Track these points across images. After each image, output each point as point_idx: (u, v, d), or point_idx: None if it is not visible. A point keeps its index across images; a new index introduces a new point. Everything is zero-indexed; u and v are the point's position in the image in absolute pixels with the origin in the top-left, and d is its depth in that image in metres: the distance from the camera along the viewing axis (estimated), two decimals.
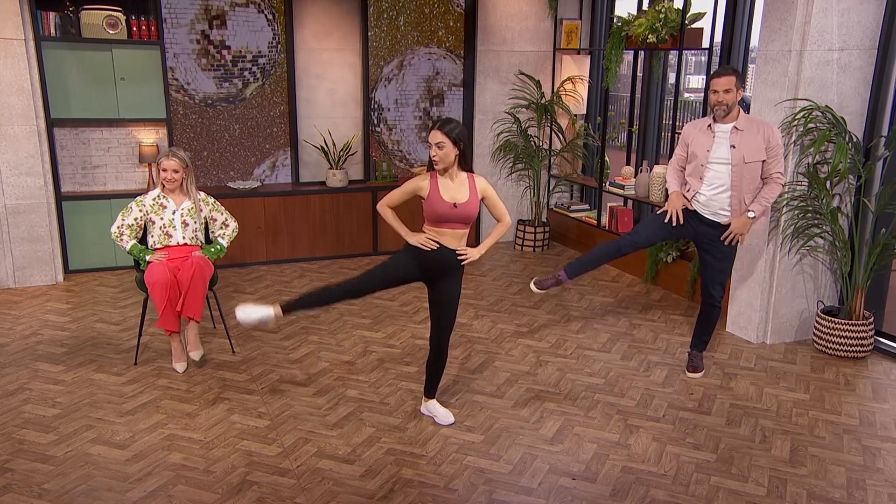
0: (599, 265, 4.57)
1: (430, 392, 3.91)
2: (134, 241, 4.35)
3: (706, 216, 4.21)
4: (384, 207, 3.72)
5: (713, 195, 4.17)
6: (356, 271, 6.41)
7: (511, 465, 3.47)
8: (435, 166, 3.54)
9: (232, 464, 3.43)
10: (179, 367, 4.39)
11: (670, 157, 4.87)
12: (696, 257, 4.69)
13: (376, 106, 7.01)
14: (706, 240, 4.25)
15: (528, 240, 7.24)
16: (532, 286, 4.54)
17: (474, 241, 7.39)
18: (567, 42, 7.28)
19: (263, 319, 3.85)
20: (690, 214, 4.26)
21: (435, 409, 3.90)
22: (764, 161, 4.10)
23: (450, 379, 4.33)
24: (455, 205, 3.53)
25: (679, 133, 4.71)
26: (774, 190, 4.15)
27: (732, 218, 4.14)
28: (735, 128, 4.10)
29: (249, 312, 3.84)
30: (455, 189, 3.56)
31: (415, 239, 3.59)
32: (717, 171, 4.14)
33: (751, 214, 4.12)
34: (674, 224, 4.27)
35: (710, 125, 4.18)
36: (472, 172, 3.64)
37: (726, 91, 4.03)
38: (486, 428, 3.80)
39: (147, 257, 4.31)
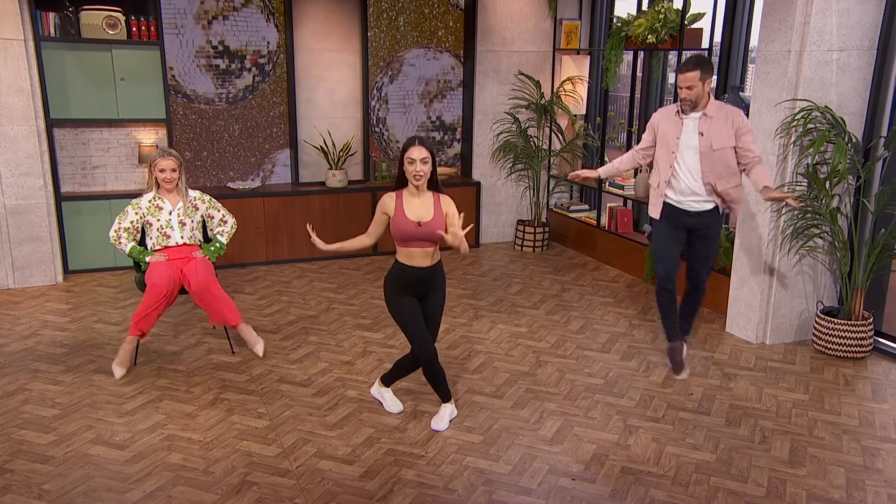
0: (673, 313, 4.42)
1: (388, 381, 3.99)
2: (133, 244, 4.35)
3: (686, 208, 4.22)
4: (363, 240, 3.76)
5: (685, 182, 4.18)
6: (356, 272, 6.43)
7: (511, 466, 3.47)
8: (416, 182, 3.53)
9: (231, 464, 3.43)
10: (119, 371, 4.30)
11: None
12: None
13: (375, 106, 7.01)
14: (696, 228, 4.27)
15: (528, 240, 7.24)
16: (679, 376, 4.41)
17: (474, 233, 7.40)
18: (567, 42, 7.29)
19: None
20: (671, 209, 4.28)
21: (385, 395, 4.01)
22: (734, 147, 4.09)
23: (449, 379, 4.32)
24: (419, 223, 3.55)
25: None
26: (764, 171, 4.12)
27: (769, 195, 4.03)
28: (704, 114, 4.09)
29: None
30: (420, 207, 3.58)
31: (325, 249, 3.72)
32: (686, 158, 4.15)
33: (768, 185, 4.06)
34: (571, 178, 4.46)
35: (678, 112, 4.18)
36: (440, 192, 3.64)
37: (689, 88, 4.00)
38: (485, 428, 3.80)
39: (147, 258, 4.31)
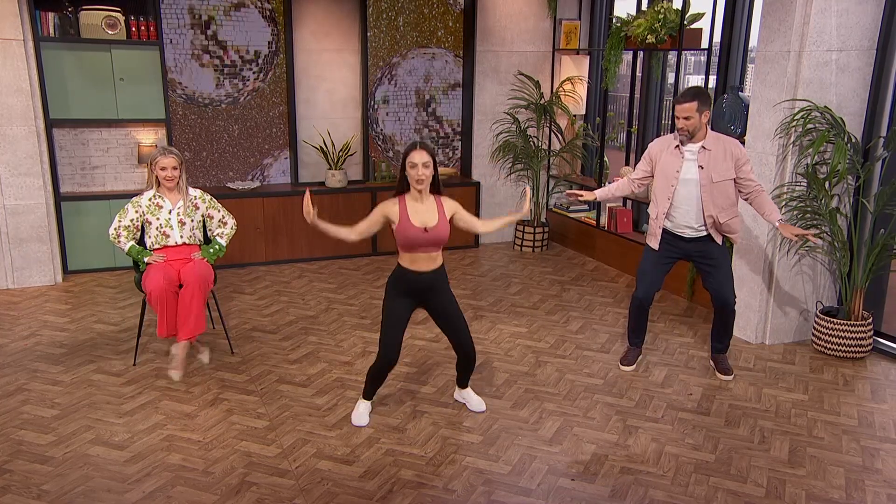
0: (642, 326, 4.55)
1: (464, 383, 4.02)
2: (132, 243, 4.33)
3: (682, 234, 4.25)
4: (348, 233, 3.68)
5: (684, 214, 4.19)
6: (355, 272, 6.43)
7: (510, 466, 3.47)
8: (418, 186, 3.52)
9: (231, 464, 3.43)
10: (175, 374, 4.30)
11: None
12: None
13: (375, 106, 7.01)
14: (697, 254, 4.28)
15: (528, 240, 7.24)
16: (624, 367, 4.54)
17: (473, 237, 7.39)
18: (566, 42, 7.29)
19: (365, 411, 3.91)
20: (670, 235, 4.29)
21: (469, 396, 4.02)
22: (734, 180, 4.11)
23: (448, 379, 4.33)
24: (426, 229, 3.53)
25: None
26: (770, 202, 4.16)
27: (783, 229, 4.09)
28: (703, 147, 4.11)
29: (362, 416, 3.89)
30: (425, 213, 3.57)
31: (312, 221, 3.57)
32: (686, 191, 4.16)
33: (781, 218, 4.14)
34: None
35: (677, 145, 4.18)
36: (441, 194, 3.66)
37: (686, 118, 4.04)
38: (484, 429, 3.80)
39: (146, 259, 4.29)
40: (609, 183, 4.72)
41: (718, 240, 4.23)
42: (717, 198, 4.12)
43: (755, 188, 4.15)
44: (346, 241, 3.71)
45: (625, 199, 6.74)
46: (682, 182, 4.17)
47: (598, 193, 4.56)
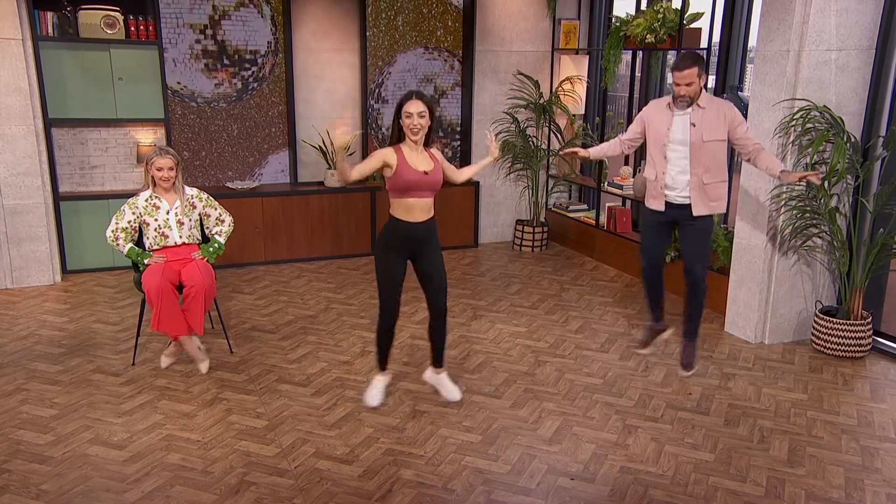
0: (656, 295, 4.57)
1: (439, 361, 4.03)
2: (131, 245, 4.31)
3: (672, 201, 4.25)
4: (353, 174, 3.67)
5: (675, 174, 4.21)
6: (354, 272, 6.42)
7: (509, 466, 3.46)
8: (413, 137, 3.62)
9: (230, 464, 3.43)
10: (165, 361, 4.42)
11: None
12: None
13: (374, 106, 7.01)
14: (683, 221, 4.29)
15: (527, 240, 7.24)
16: (641, 350, 4.60)
17: (473, 232, 7.39)
18: (565, 42, 7.28)
19: (378, 390, 4.02)
20: (667, 203, 4.30)
21: (444, 383, 4.03)
22: (730, 142, 4.14)
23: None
24: (426, 172, 3.65)
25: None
26: (771, 156, 4.14)
27: (784, 177, 4.08)
28: (697, 105, 4.13)
29: (374, 395, 3.99)
30: (420, 160, 3.68)
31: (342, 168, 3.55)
32: (676, 150, 4.18)
33: (784, 168, 4.11)
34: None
35: (669, 104, 4.21)
36: (429, 147, 3.78)
37: (688, 84, 4.06)
38: (484, 428, 3.80)
39: (146, 260, 4.28)
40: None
41: (704, 209, 4.20)
42: (705, 157, 4.12)
43: (754, 146, 4.14)
44: (345, 179, 3.63)
45: (624, 198, 6.74)
46: (672, 140, 4.18)
47: (592, 152, 4.60)
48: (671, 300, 5.84)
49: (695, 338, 4.47)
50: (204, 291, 4.20)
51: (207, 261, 4.37)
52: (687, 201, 4.22)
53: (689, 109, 4.13)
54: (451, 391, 4.04)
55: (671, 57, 6.72)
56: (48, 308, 5.42)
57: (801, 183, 4.36)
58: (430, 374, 4.12)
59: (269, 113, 6.70)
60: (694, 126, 4.11)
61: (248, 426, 3.77)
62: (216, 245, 4.45)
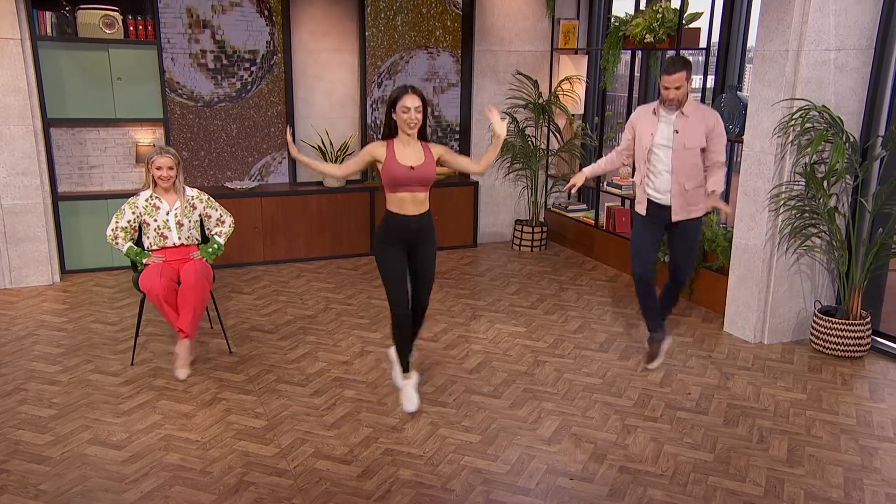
0: (652, 302, 4.53)
1: (405, 366, 3.99)
2: (130, 244, 4.31)
3: (663, 203, 4.30)
4: (334, 169, 3.79)
5: (659, 179, 4.26)
6: (354, 272, 6.42)
7: (508, 465, 3.46)
8: (409, 131, 3.63)
9: (229, 464, 3.42)
10: (182, 373, 4.28)
11: None
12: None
13: (374, 105, 7.00)
14: (671, 225, 4.36)
15: (526, 240, 7.23)
16: (650, 365, 4.52)
17: (472, 232, 7.39)
18: (565, 42, 7.28)
19: (413, 393, 3.97)
20: (653, 204, 4.36)
21: (408, 389, 3.97)
22: (703, 150, 4.17)
23: (447, 379, 4.33)
24: (412, 167, 3.64)
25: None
26: (721, 174, 4.23)
27: (711, 201, 4.25)
28: (682, 112, 4.17)
29: (410, 398, 3.94)
30: (410, 154, 3.68)
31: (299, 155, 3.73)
32: (659, 154, 4.24)
33: (716, 190, 4.21)
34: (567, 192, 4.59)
35: (654, 110, 4.26)
36: (427, 141, 3.77)
37: (678, 88, 4.12)
38: (483, 428, 3.80)
39: (144, 260, 4.28)
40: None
41: (684, 214, 4.27)
42: (686, 164, 4.18)
43: (715, 161, 4.21)
44: (332, 176, 3.73)
45: (623, 198, 6.73)
46: (656, 145, 4.23)
47: (587, 171, 4.59)
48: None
49: (662, 332, 4.55)
50: (198, 283, 4.20)
51: (206, 261, 4.36)
52: (668, 202, 4.29)
53: (674, 116, 4.18)
54: (409, 398, 3.94)
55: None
56: (47, 308, 5.41)
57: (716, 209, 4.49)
58: (398, 377, 4.06)
59: (269, 113, 6.70)
60: (677, 133, 4.18)
61: (247, 426, 3.77)
62: (215, 246, 4.44)
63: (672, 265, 4.50)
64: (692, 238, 4.41)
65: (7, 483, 3.25)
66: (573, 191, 4.58)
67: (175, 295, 4.20)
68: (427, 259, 3.84)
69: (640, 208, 4.43)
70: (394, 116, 3.65)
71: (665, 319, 4.64)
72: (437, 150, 3.80)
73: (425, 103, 3.66)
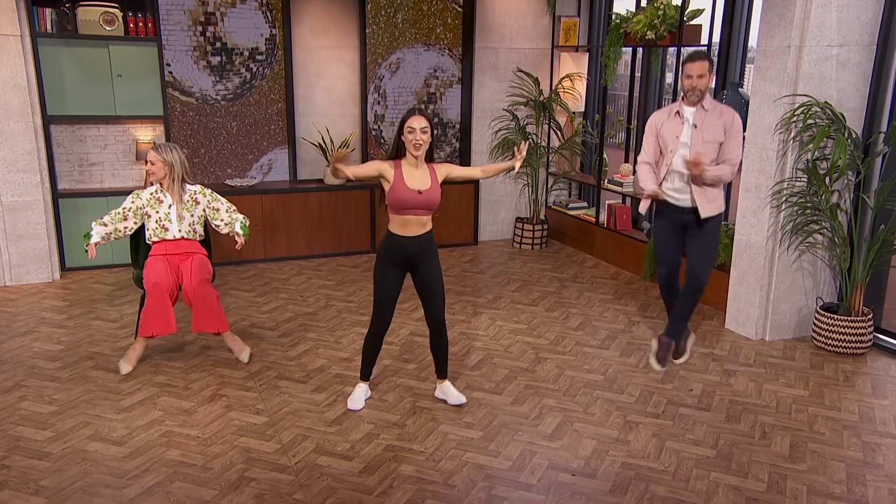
0: (677, 309, 4.46)
1: (442, 373, 4.01)
2: (98, 223, 4.27)
3: (683, 205, 4.24)
4: (347, 172, 3.71)
5: (679, 178, 4.22)
6: (354, 269, 6.41)
7: (510, 461, 3.45)
8: (415, 152, 3.62)
9: (230, 460, 3.41)
10: (125, 367, 4.29)
11: None
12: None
13: (374, 103, 6.99)
14: (690, 226, 4.29)
15: (527, 238, 7.23)
16: (658, 367, 4.44)
17: (472, 230, 7.38)
18: (565, 39, 7.27)
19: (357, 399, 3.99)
20: (671, 207, 4.30)
21: (448, 391, 4.00)
22: (721, 144, 4.14)
23: (449, 376, 4.31)
24: (420, 192, 3.64)
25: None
26: (727, 170, 4.15)
27: (694, 159, 4.06)
28: (701, 107, 4.16)
29: (357, 399, 3.97)
30: (418, 177, 3.68)
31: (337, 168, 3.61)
32: (681, 153, 4.20)
33: (710, 170, 4.09)
34: (643, 210, 4.48)
35: (678, 112, 4.22)
36: (433, 162, 3.78)
37: (700, 76, 4.10)
38: (485, 424, 3.79)
39: (84, 245, 4.22)
40: (636, 176, 4.63)
41: (709, 210, 4.17)
42: (704, 159, 4.10)
43: (727, 159, 4.13)
44: (342, 177, 3.68)
45: (623, 195, 6.73)
46: (681, 145, 4.20)
47: (656, 187, 4.32)
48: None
49: (679, 338, 4.48)
50: (199, 273, 4.22)
51: (244, 237, 4.39)
52: (689, 204, 4.22)
53: (693, 110, 4.15)
54: (455, 397, 3.99)
55: (671, 55, 6.72)
56: (47, 305, 5.40)
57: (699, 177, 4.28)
58: (437, 390, 4.08)
59: (269, 110, 6.68)
60: (696, 127, 4.15)
61: (248, 422, 3.76)
62: (240, 223, 4.46)
63: (691, 268, 4.29)
64: (713, 235, 4.26)
65: (8, 479, 3.24)
66: (655, 196, 4.30)
67: (168, 293, 4.18)
68: (431, 276, 3.79)
69: (643, 206, 4.42)
70: (402, 138, 3.65)
71: (682, 332, 4.48)
72: (442, 170, 3.76)
73: (432, 126, 3.66)
